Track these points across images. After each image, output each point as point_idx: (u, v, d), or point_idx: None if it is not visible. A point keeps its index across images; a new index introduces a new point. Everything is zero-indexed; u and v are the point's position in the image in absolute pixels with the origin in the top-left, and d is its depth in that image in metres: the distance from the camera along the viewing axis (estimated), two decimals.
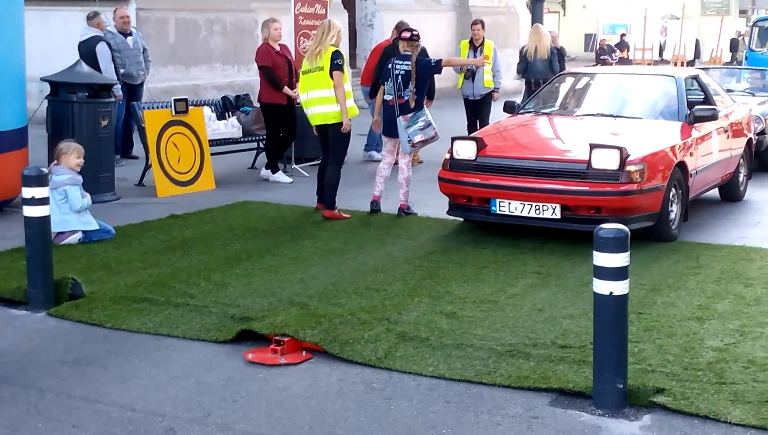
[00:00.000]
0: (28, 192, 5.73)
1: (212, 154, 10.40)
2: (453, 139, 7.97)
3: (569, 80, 9.85)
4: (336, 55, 8.42)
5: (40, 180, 5.75)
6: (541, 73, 13.16)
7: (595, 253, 4.25)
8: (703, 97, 9.31)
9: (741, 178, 9.68)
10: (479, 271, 6.65)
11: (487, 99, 12.18)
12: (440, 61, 8.93)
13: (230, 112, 11.35)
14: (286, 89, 10.42)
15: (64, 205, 7.37)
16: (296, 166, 11.28)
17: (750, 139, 9.85)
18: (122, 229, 7.85)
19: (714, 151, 8.69)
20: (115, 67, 11.32)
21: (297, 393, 4.52)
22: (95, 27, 11.50)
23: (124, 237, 7.61)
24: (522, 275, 6.55)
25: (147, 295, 5.93)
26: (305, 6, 12.63)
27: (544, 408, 4.33)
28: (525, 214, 7.41)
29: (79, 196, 7.46)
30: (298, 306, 5.66)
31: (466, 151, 7.79)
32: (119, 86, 11.12)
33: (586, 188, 7.23)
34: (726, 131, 9.06)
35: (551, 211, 7.31)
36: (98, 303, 5.76)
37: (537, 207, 7.35)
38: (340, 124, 8.48)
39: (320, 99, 8.53)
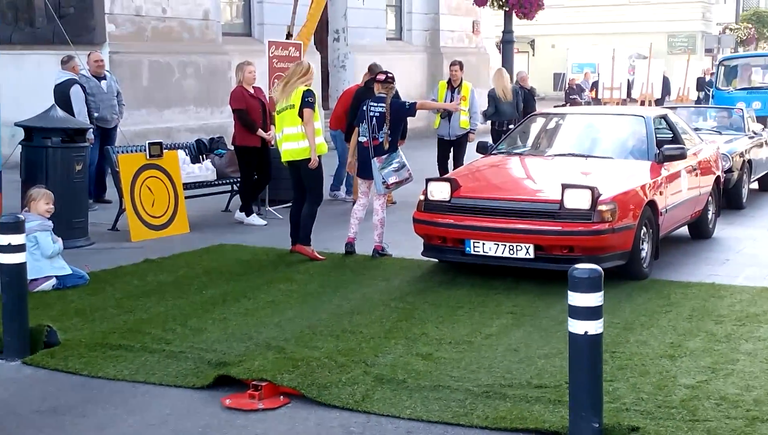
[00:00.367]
0: (4, 239, 5.71)
1: (186, 198, 10.42)
2: (427, 181, 8.05)
3: (540, 120, 9.99)
4: (307, 93, 8.53)
5: (17, 227, 5.75)
6: (511, 114, 13.43)
7: (570, 292, 4.31)
8: (671, 136, 9.48)
9: (710, 216, 9.82)
10: (454, 312, 6.69)
11: (462, 140, 12.32)
12: (415, 103, 9.05)
13: (204, 155, 11.40)
14: (260, 132, 10.48)
15: (36, 252, 7.34)
16: (270, 209, 11.32)
17: (718, 176, 10.01)
18: (96, 275, 7.82)
19: (683, 190, 8.83)
20: (89, 111, 11.34)
21: None
22: (70, 70, 11.54)
23: (98, 282, 7.59)
24: (496, 316, 6.61)
25: (122, 341, 5.91)
26: (279, 49, 12.77)
27: None
28: (499, 254, 7.49)
29: (50, 241, 7.43)
30: (275, 350, 5.67)
31: (440, 192, 7.87)
32: (91, 129, 11.12)
33: (559, 228, 7.32)
34: (694, 169, 9.22)
35: (525, 251, 7.39)
36: (74, 350, 5.73)
37: (511, 247, 7.43)
38: (309, 160, 8.58)
39: (290, 136, 8.63)
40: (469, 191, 7.94)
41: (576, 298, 4.29)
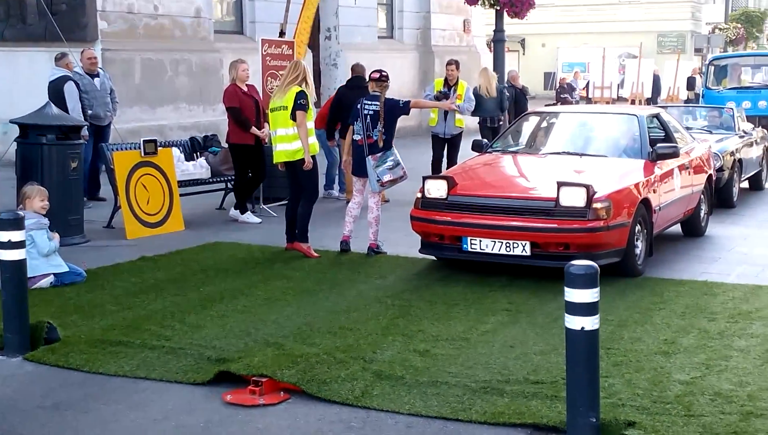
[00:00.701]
0: (4, 235, 5.73)
1: (181, 195, 10.44)
2: (424, 178, 8.11)
3: (535, 119, 10.05)
4: (300, 95, 8.56)
5: (16, 223, 5.77)
6: (493, 111, 13.85)
7: (566, 289, 4.35)
8: (664, 134, 9.56)
9: (702, 214, 9.91)
10: (450, 309, 6.75)
11: (457, 139, 12.43)
12: (409, 102, 9.09)
13: (198, 153, 11.42)
14: (254, 130, 10.51)
15: (33, 250, 7.34)
16: (265, 206, 11.34)
17: (710, 175, 10.10)
18: (93, 272, 7.84)
19: (676, 188, 8.91)
20: (83, 108, 11.34)
21: (277, 433, 4.57)
22: (63, 67, 11.54)
23: (95, 280, 7.61)
24: (492, 312, 6.66)
25: (122, 338, 5.94)
26: (272, 47, 12.80)
27: None
28: (496, 251, 7.54)
29: (46, 239, 7.44)
30: (273, 346, 5.71)
31: (437, 189, 7.93)
32: (86, 127, 11.13)
33: (555, 225, 7.39)
34: (687, 168, 9.30)
35: (521, 248, 7.46)
36: (74, 347, 5.76)
37: (507, 244, 7.49)
38: (303, 161, 8.62)
39: (284, 137, 8.68)
40: (466, 189, 7.99)
41: (572, 295, 4.34)
